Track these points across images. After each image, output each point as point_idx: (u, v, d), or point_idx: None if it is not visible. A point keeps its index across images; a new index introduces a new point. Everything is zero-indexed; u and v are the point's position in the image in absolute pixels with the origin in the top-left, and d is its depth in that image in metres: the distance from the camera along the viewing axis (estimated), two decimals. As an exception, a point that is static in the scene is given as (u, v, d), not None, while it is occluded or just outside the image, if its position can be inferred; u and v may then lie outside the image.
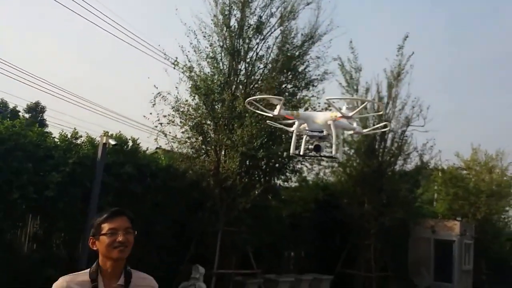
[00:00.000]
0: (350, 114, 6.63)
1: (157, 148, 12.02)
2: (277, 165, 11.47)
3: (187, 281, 9.65)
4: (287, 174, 12.07)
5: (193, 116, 10.97)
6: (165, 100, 10.95)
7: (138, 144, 10.06)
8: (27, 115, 8.65)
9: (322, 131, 6.66)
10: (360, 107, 6.72)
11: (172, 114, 10.96)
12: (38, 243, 8.55)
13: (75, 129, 9.17)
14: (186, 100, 11.03)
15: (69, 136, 8.94)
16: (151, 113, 10.96)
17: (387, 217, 14.17)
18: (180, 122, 11.02)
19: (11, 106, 21.59)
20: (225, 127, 10.61)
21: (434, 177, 21.85)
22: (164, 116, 10.93)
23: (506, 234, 24.78)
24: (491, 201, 21.84)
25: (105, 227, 2.20)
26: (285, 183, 12.39)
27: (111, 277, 2.20)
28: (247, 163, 10.54)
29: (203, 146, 11.14)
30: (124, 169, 9.28)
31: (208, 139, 11.04)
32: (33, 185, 8.06)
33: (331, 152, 6.84)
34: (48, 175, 8.20)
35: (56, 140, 8.80)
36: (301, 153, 7.19)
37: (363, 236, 15.05)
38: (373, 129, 8.29)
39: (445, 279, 19.94)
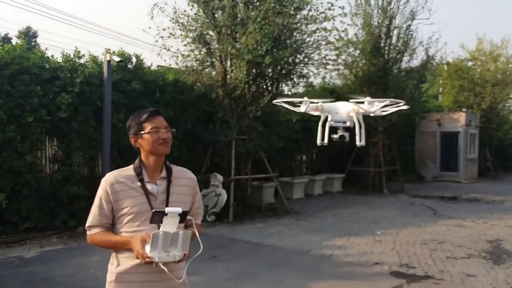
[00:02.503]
0: (372, 110, 7.18)
1: (158, 66, 11.87)
2: (283, 71, 11.35)
3: (207, 189, 10.05)
4: (294, 79, 12.00)
5: (193, 27, 10.70)
6: (162, 12, 10.64)
7: (142, 60, 9.94)
8: (20, 41, 8.43)
9: (345, 122, 7.32)
10: (380, 105, 7.22)
11: (172, 27, 10.70)
12: (59, 163, 8.78)
13: (76, 48, 9.02)
14: (185, 11, 10.71)
15: (71, 56, 8.82)
16: (150, 27, 10.73)
17: (394, 114, 14.26)
18: (181, 35, 10.78)
19: (2, 33, 21.11)
20: (228, 36, 10.37)
21: (439, 71, 21.71)
22: (164, 29, 10.70)
23: (510, 122, 25.10)
24: (496, 90, 21.90)
25: (147, 126, 2.30)
26: (293, 88, 12.37)
27: (153, 171, 2.33)
28: (254, 71, 10.42)
29: (208, 58, 10.98)
30: (131, 86, 9.27)
31: (212, 50, 10.86)
32: (45, 107, 8.14)
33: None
34: (57, 97, 8.23)
35: (59, 61, 8.68)
36: (326, 142, 7.81)
37: (371, 134, 15.31)
38: (392, 109, 8.12)
39: (451, 169, 20.61)
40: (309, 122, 14.62)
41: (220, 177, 10.10)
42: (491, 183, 20.27)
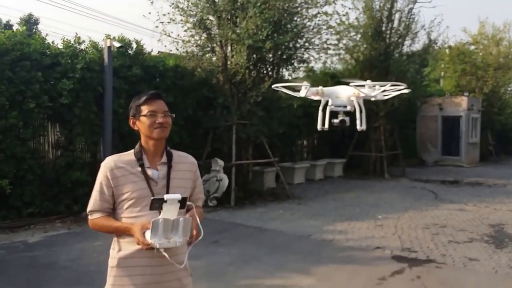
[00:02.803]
0: (373, 94, 7.04)
1: (159, 52, 11.81)
2: (284, 56, 11.30)
3: (208, 174, 10.08)
4: (295, 64, 11.95)
5: (194, 12, 10.63)
6: (162, -4, 10.57)
7: (142, 46, 9.90)
8: (20, 28, 8.46)
9: (346, 106, 7.20)
10: (381, 89, 7.07)
11: (172, 12, 10.63)
12: (62, 149, 8.84)
13: (77, 34, 8.99)
14: (184, -5, 10.62)
15: (72, 42, 8.79)
16: (150, 13, 10.66)
17: (396, 98, 14.20)
18: (181, 20, 10.72)
19: (4, 20, 21.01)
20: (229, 20, 10.30)
21: (441, 55, 21.57)
22: (164, 14, 10.63)
23: (512, 105, 25.00)
24: (498, 74, 21.79)
25: (145, 109, 2.30)
26: (294, 73, 12.32)
27: (154, 156, 2.33)
28: (255, 56, 10.37)
29: (208, 43, 10.93)
30: (132, 71, 9.27)
31: (212, 35, 10.80)
32: (46, 93, 8.15)
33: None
34: (59, 83, 8.24)
35: (60, 47, 8.67)
36: (326, 127, 7.65)
37: (373, 119, 15.29)
38: (394, 93, 7.84)
39: (452, 153, 20.61)
40: (310, 108, 14.57)
41: (221, 162, 10.13)
42: (493, 167, 20.27)
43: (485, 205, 10.34)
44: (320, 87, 7.39)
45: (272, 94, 10.82)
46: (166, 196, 2.04)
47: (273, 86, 8.18)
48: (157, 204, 2.02)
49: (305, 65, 12.52)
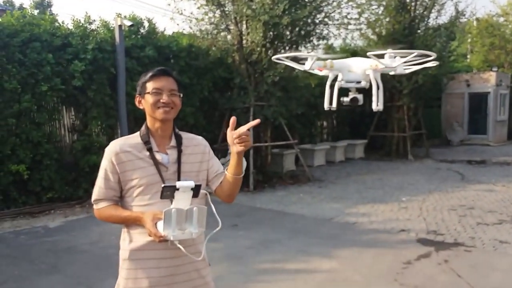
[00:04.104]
0: (395, 64, 5.99)
1: (173, 32, 11.55)
2: (302, 32, 10.87)
3: (224, 157, 9.84)
4: (314, 41, 11.51)
5: (207, -12, 10.29)
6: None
7: (154, 25, 9.63)
8: (35, 12, 8.34)
9: (360, 82, 6.14)
10: (404, 60, 5.97)
11: (185, -12, 10.34)
12: (78, 133, 8.73)
13: (87, 13, 8.77)
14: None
15: (82, 22, 8.58)
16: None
17: (420, 75, 13.64)
18: (194, -4, 10.41)
19: (17, 4, 21.01)
20: (243, -5, 9.93)
21: (468, 28, 20.70)
22: (177, -9, 10.32)
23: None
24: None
25: (149, 86, 2.05)
26: (313, 50, 11.88)
27: (162, 138, 2.11)
28: (271, 33, 9.99)
29: (222, 21, 10.59)
30: (145, 52, 9.04)
31: (227, 12, 10.45)
32: (58, 75, 7.99)
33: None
34: (70, 64, 8.06)
35: (70, 27, 8.47)
36: (334, 106, 6.60)
37: (396, 97, 14.77)
38: (416, 67, 6.79)
39: (479, 132, 19.94)
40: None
41: (238, 145, 9.84)
42: (522, 145, 19.57)
43: (515, 185, 9.85)
44: (328, 60, 6.36)
45: (289, 73, 10.45)
46: (178, 183, 1.82)
47: (273, 57, 7.12)
48: (168, 192, 1.80)
49: (325, 42, 12.07)
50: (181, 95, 2.11)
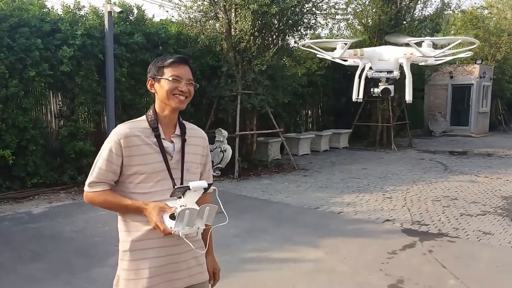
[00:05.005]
0: (433, 54, 5.72)
1: (161, 19, 11.47)
2: (290, 21, 10.89)
3: (212, 144, 9.89)
4: (301, 31, 11.53)
5: (196, -25, 10.23)
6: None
7: (144, 12, 9.56)
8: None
9: (392, 71, 5.91)
10: (450, 45, 5.66)
11: (174, -25, 10.25)
12: (64, 119, 8.68)
13: (76, -1, 8.68)
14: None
15: (72, 7, 8.49)
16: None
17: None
18: (183, -17, 10.36)
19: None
20: (233, -17, 9.90)
21: (453, 20, 20.89)
22: (166, -22, 10.25)
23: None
24: (513, 39, 21.02)
25: (168, 72, 2.02)
26: (300, 40, 11.91)
27: (168, 126, 2.09)
28: (260, 22, 9.99)
29: (211, 9, 10.56)
30: (134, 39, 8.99)
31: (216, 0, 10.42)
32: (46, 61, 7.92)
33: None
34: (59, 50, 7.99)
35: (59, 13, 8.38)
36: (361, 97, 6.43)
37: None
38: (447, 58, 6.50)
39: (461, 123, 20.29)
40: (315, 76, 14.28)
41: (225, 133, 9.91)
42: (503, 137, 19.98)
43: (497, 176, 10.12)
44: (358, 48, 6.16)
45: (277, 62, 10.48)
46: (191, 184, 1.82)
47: (301, 43, 6.82)
48: (179, 192, 1.82)
49: (312, 31, 12.10)
50: (198, 85, 2.11)
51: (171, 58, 2.04)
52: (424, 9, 15.13)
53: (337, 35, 15.57)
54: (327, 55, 6.39)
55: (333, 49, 6.58)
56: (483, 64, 20.17)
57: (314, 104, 16.05)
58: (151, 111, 2.08)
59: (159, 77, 2.03)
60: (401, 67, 6.07)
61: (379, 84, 6.19)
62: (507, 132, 22.38)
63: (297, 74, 13.26)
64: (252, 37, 9.88)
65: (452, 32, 22.18)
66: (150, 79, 2.08)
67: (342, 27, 15.20)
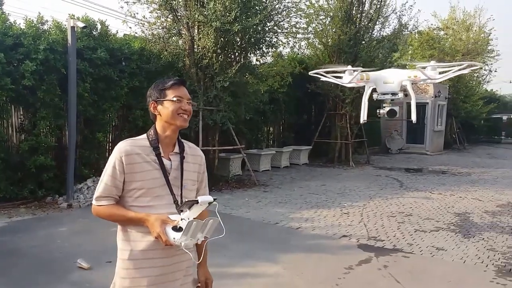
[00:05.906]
0: (438, 77, 5.86)
1: (125, 35, 11.50)
2: (252, 39, 11.16)
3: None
4: (263, 48, 11.82)
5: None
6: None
7: (107, 27, 9.59)
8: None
9: (396, 93, 6.03)
10: (455, 70, 5.88)
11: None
12: (25, 133, 8.56)
13: (39, 13, 8.62)
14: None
15: (35, 22, 8.44)
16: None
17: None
18: (147, 0, 10.44)
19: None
20: (196, 1, 10.07)
21: (410, 41, 21.70)
22: (129, -7, 10.31)
23: (478, 93, 25.21)
24: (467, 59, 22.05)
25: (171, 93, 2.19)
26: (262, 57, 12.20)
27: (167, 145, 2.24)
28: (222, 39, 10.19)
29: (175, 25, 10.69)
30: (97, 54, 8.99)
31: (179, 17, 10.56)
32: (9, 75, 7.85)
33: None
34: (21, 64, 7.93)
35: (22, 27, 8.31)
36: (365, 119, 6.78)
37: (339, 106, 15.42)
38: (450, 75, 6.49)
39: (417, 141, 21.02)
40: (277, 94, 14.57)
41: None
42: (457, 155, 20.85)
43: (450, 193, 10.55)
44: (364, 72, 6.39)
45: (239, 79, 10.68)
46: (200, 198, 1.98)
47: (311, 72, 6.99)
48: (187, 206, 1.98)
49: (273, 49, 12.42)
50: (196, 104, 2.29)
51: (171, 80, 2.23)
52: (382, 29, 15.69)
53: (298, 54, 15.96)
54: (338, 82, 6.74)
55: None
56: (438, 83, 21.04)
57: (276, 121, 16.33)
58: (152, 131, 2.23)
59: (162, 99, 2.19)
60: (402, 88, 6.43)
61: (384, 105, 6.46)
62: (461, 150, 23.34)
63: (259, 91, 13.50)
64: (214, 54, 10.07)
65: (410, 52, 23.09)
66: (153, 102, 2.23)
67: (303, 45, 15.59)
